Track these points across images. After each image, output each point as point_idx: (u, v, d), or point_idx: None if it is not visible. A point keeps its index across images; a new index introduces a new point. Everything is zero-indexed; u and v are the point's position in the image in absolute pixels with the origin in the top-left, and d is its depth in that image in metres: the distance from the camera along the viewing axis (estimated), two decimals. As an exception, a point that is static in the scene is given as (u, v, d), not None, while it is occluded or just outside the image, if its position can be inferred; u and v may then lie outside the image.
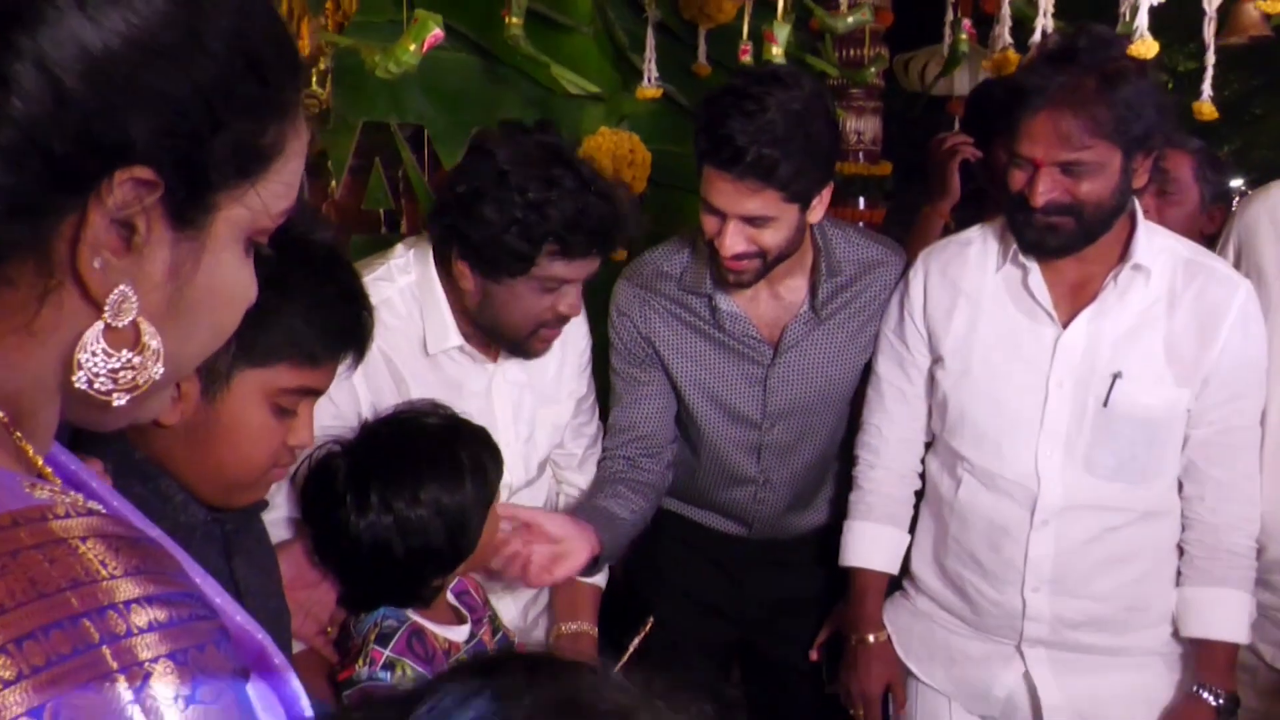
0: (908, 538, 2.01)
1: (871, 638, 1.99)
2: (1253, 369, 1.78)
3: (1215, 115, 2.40)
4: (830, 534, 2.16)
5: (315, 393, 1.20)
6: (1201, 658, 1.83)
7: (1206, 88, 2.41)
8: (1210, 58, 2.37)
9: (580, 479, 2.02)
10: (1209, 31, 2.35)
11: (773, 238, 1.82)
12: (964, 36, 2.72)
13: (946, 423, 1.90)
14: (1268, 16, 2.46)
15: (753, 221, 1.79)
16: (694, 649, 2.16)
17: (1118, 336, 1.76)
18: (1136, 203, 1.79)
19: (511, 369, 1.82)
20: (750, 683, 2.34)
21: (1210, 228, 2.48)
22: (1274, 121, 5.60)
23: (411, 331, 1.73)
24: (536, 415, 1.86)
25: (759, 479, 2.12)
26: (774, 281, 1.98)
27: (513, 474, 1.81)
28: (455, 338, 1.73)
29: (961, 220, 2.56)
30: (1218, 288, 1.75)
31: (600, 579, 1.98)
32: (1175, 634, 1.86)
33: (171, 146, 0.60)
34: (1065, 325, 1.78)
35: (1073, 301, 1.78)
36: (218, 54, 0.61)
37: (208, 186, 0.64)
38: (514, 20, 2.47)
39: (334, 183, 2.80)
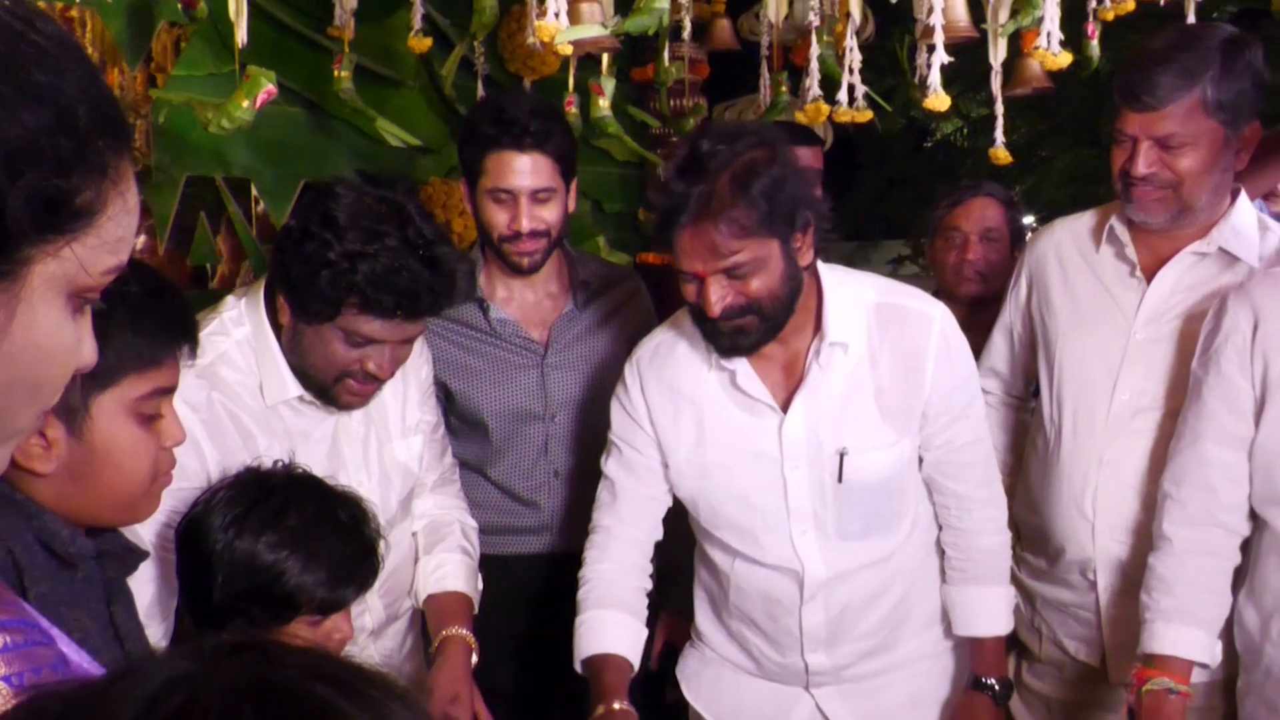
0: (645, 631, 1.90)
1: (617, 705, 1.77)
2: (964, 389, 1.85)
3: (1009, 160, 2.62)
4: None
5: (168, 390, 1.24)
6: (974, 652, 1.96)
7: (999, 135, 2.62)
8: (999, 108, 2.59)
9: (427, 504, 2.02)
10: (996, 85, 2.57)
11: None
12: (784, 88, 2.87)
13: (701, 518, 1.91)
14: (1048, 70, 2.69)
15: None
16: (510, 690, 2.18)
17: (834, 411, 1.78)
18: (818, 265, 1.79)
19: (354, 415, 1.83)
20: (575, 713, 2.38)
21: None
22: (1059, 163, 6.05)
23: (252, 384, 1.72)
24: (384, 455, 1.87)
25: (550, 472, 2.24)
26: (536, 284, 2.22)
27: (380, 517, 1.82)
28: (294, 388, 1.73)
29: None
30: (912, 329, 1.78)
31: (472, 591, 1.98)
32: (942, 632, 1.98)
33: None
34: (785, 408, 1.79)
35: (787, 382, 1.80)
36: (20, 106, 0.62)
37: (8, 238, 0.64)
38: (343, 74, 2.49)
39: (159, 239, 2.74)
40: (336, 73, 2.47)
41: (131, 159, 0.76)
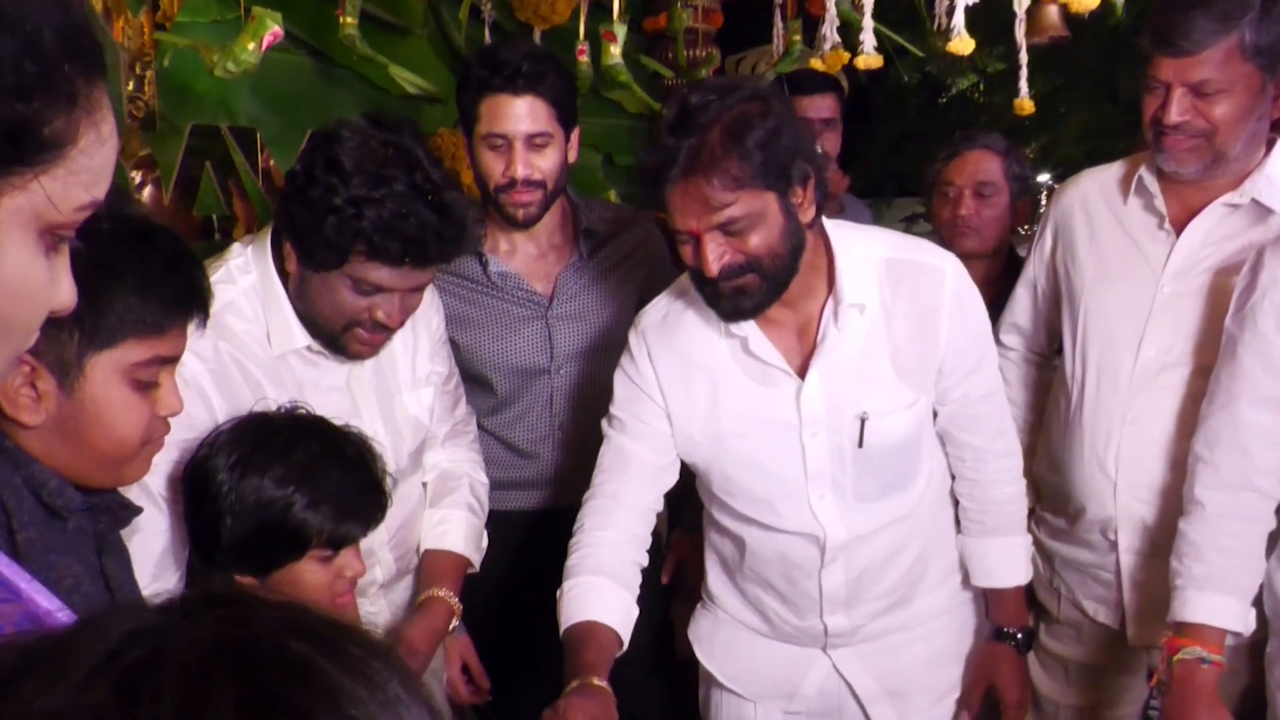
0: (636, 610, 1.78)
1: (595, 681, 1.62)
2: (978, 342, 1.79)
3: (1033, 110, 2.56)
4: None
5: (169, 360, 1.22)
6: (994, 603, 1.94)
7: (1023, 85, 2.56)
8: (1024, 56, 2.53)
9: (438, 455, 2.00)
10: (1020, 32, 2.50)
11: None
12: (797, 38, 2.81)
13: (713, 487, 1.85)
14: (1067, 17, 2.62)
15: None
16: (506, 651, 2.16)
17: (851, 374, 1.72)
18: (824, 223, 1.72)
19: (364, 366, 1.79)
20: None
21: (1019, 220, 2.62)
22: (1076, 119, 5.95)
23: (259, 333, 1.69)
24: (394, 406, 1.84)
25: (554, 425, 2.21)
26: (539, 236, 2.17)
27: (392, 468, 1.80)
28: (302, 337, 1.69)
29: None
30: (925, 284, 1.72)
31: (472, 551, 1.96)
32: (959, 584, 1.95)
33: None
34: (800, 373, 1.73)
35: (801, 347, 1.74)
36: None
37: None
38: (348, 20, 2.44)
39: (164, 189, 2.69)
40: (341, 19, 2.40)
41: (106, 90, 0.72)
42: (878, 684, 1.90)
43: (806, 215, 1.65)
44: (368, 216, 1.53)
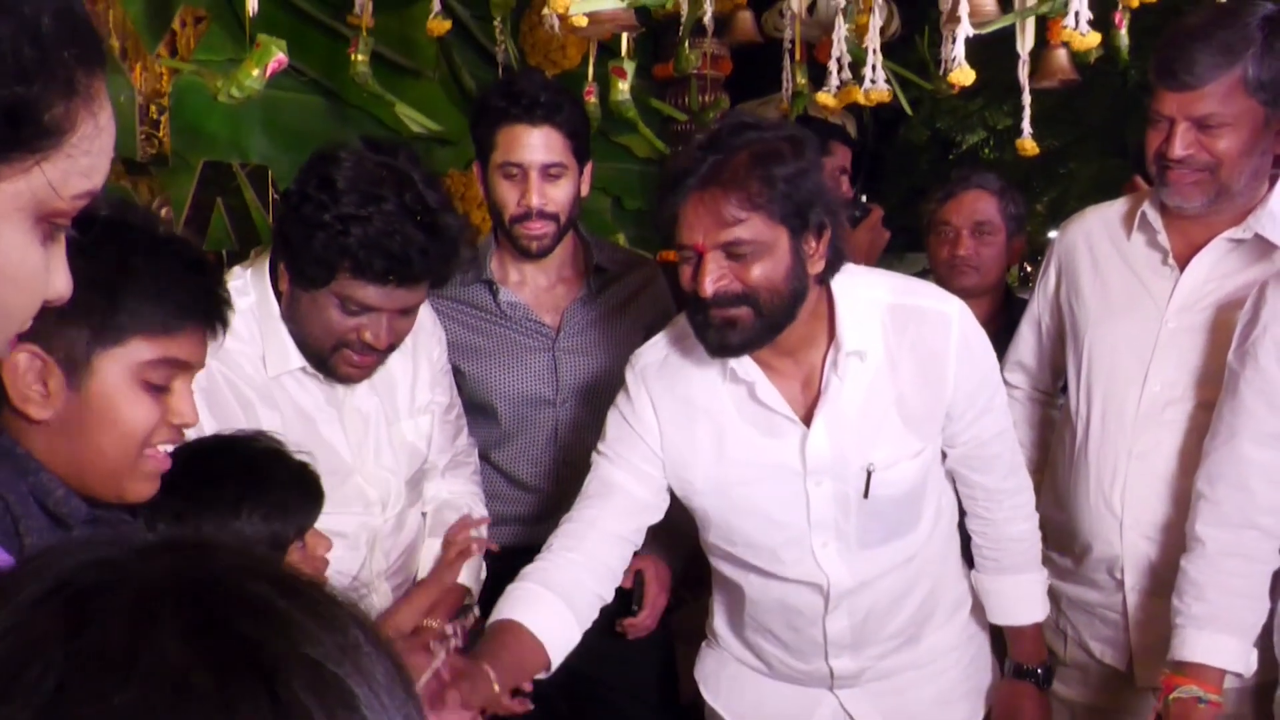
0: (575, 643, 1.71)
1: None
2: (986, 382, 1.74)
3: (1036, 150, 2.57)
4: None
5: (182, 365, 1.20)
6: (1012, 641, 1.91)
7: (1026, 125, 2.57)
8: (1026, 98, 2.54)
9: (438, 486, 1.99)
10: (1024, 74, 2.52)
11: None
12: (802, 81, 2.83)
13: (711, 535, 1.81)
14: (1075, 62, 2.64)
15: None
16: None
17: (856, 423, 1.67)
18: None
19: (361, 392, 1.79)
20: (577, 711, 2.32)
21: (1014, 258, 2.65)
22: (1085, 174, 5.98)
23: (254, 354, 1.69)
24: (391, 434, 1.83)
25: (558, 459, 2.19)
26: (549, 268, 2.18)
27: (380, 501, 1.80)
28: (296, 359, 1.69)
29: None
30: (930, 330, 1.67)
31: (470, 581, 1.95)
32: (968, 617, 1.91)
33: None
34: (806, 420, 1.68)
35: (805, 396, 1.69)
36: None
37: None
38: (360, 58, 2.47)
39: (176, 224, 2.72)
40: (353, 56, 2.43)
41: (105, 80, 0.73)
42: None
43: (815, 266, 1.60)
44: (354, 234, 1.53)
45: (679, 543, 2.30)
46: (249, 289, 1.71)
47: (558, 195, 2.07)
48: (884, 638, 1.82)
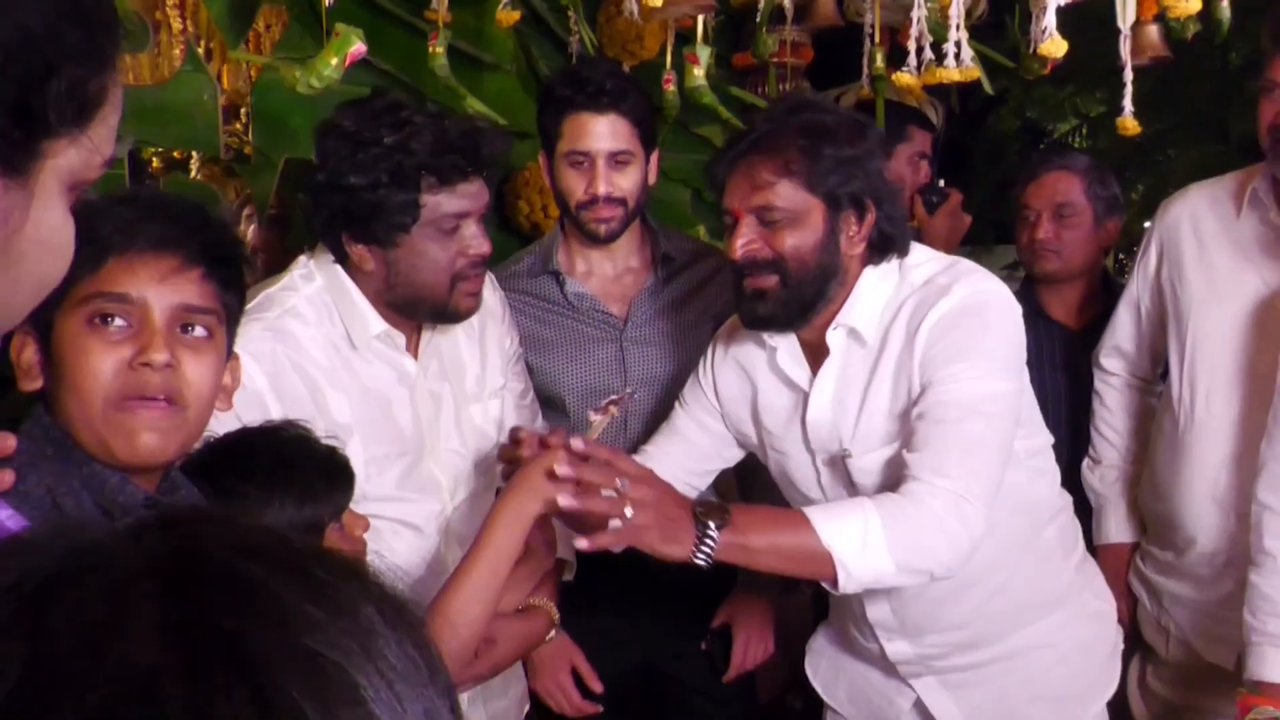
0: None
1: None
2: (961, 359, 1.54)
3: (1138, 129, 2.45)
4: None
5: (118, 298, 1.13)
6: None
7: (1127, 103, 2.46)
8: (1128, 74, 2.43)
9: None
10: (1125, 49, 2.41)
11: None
12: (880, 65, 2.76)
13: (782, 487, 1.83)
14: (1168, 37, 2.53)
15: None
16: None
17: (852, 405, 1.64)
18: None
19: (433, 374, 1.79)
20: (659, 713, 2.28)
21: (1108, 241, 2.51)
22: (1182, 163, 5.78)
23: (320, 337, 1.69)
24: (460, 418, 1.82)
25: (629, 450, 2.08)
26: (616, 257, 2.15)
27: (450, 488, 1.79)
28: (377, 323, 1.70)
29: None
30: (923, 302, 1.60)
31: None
32: (1072, 614, 1.81)
33: (5, 92, 0.60)
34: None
35: (817, 370, 1.68)
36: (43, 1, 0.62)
37: (44, 132, 0.64)
38: (438, 50, 2.46)
39: (259, 220, 2.75)
40: (431, 48, 2.43)
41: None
42: (965, 716, 1.80)
43: (853, 247, 1.61)
44: (416, 149, 1.57)
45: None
46: (314, 274, 1.71)
47: (624, 182, 2.05)
48: (944, 627, 1.75)
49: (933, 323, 1.56)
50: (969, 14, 3.11)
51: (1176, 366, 1.95)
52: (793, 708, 2.81)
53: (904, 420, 1.60)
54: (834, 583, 1.47)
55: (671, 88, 2.70)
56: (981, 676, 1.79)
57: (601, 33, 3.23)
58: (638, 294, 2.17)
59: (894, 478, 1.59)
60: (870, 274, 1.63)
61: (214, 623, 0.41)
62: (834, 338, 1.64)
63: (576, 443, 1.49)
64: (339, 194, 1.61)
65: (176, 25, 2.85)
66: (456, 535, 1.81)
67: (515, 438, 1.59)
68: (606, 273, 2.19)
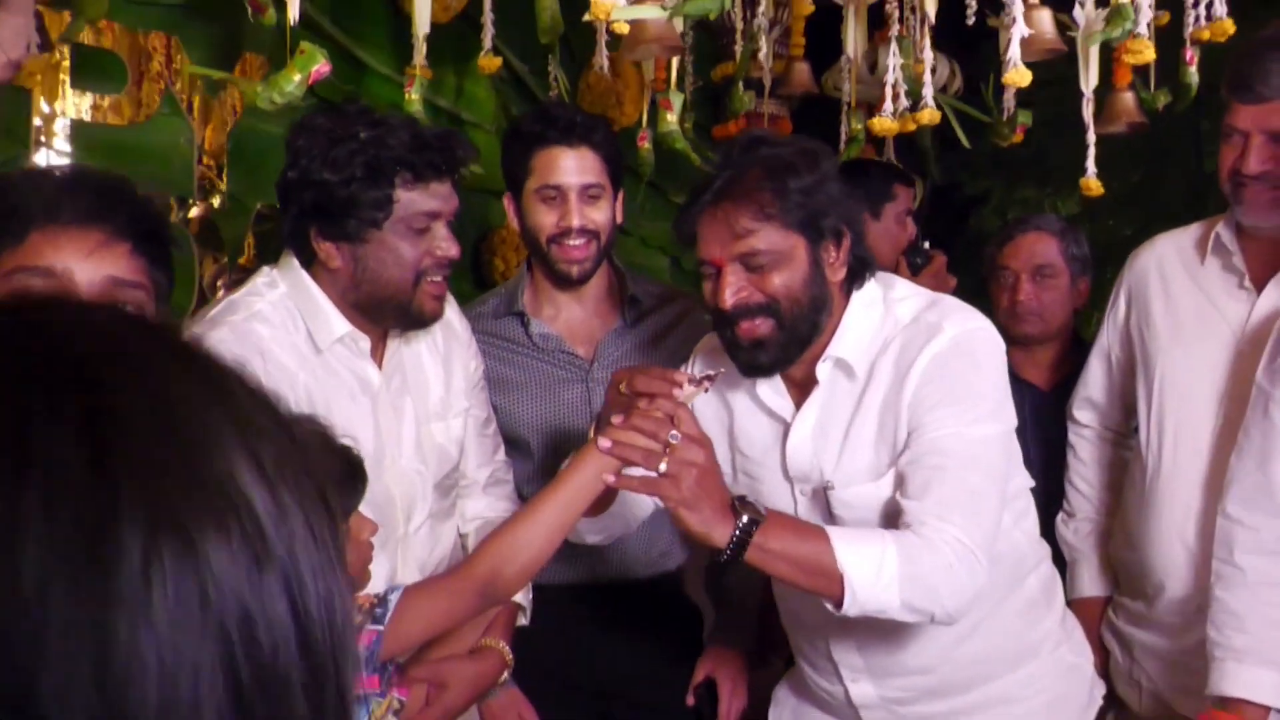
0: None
1: None
2: (955, 404, 1.52)
3: (1101, 190, 2.48)
4: (678, 580, 2.19)
5: (39, 271, 1.11)
6: None
7: (1090, 166, 2.49)
8: (1091, 136, 2.47)
9: (478, 505, 1.92)
10: (1088, 113, 2.45)
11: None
12: (858, 126, 2.80)
13: None
14: (1141, 104, 2.57)
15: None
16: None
17: (835, 438, 1.63)
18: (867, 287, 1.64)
19: (394, 385, 1.76)
20: None
21: (1080, 301, 2.50)
22: (1163, 203, 5.83)
23: (286, 340, 1.67)
24: (421, 434, 1.79)
25: None
26: (584, 299, 2.13)
27: (405, 508, 1.74)
28: (341, 325, 1.69)
29: None
30: (912, 340, 1.58)
31: (522, 599, 1.87)
32: (1042, 669, 1.75)
33: None
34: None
35: (802, 401, 1.66)
36: None
37: None
38: (413, 97, 2.47)
39: (229, 266, 2.74)
40: (408, 95, 2.45)
41: None
42: None
43: (835, 274, 1.60)
44: (391, 144, 1.58)
45: (745, 620, 2.22)
46: (277, 281, 1.70)
47: (597, 216, 2.03)
48: (910, 670, 1.70)
49: (925, 363, 1.55)
50: (945, 88, 3.17)
51: (1144, 411, 1.93)
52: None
53: (888, 457, 1.58)
54: (837, 603, 1.46)
55: (646, 145, 2.73)
56: None
57: (581, 98, 3.27)
58: (605, 335, 2.15)
59: (873, 515, 1.58)
60: (856, 304, 1.63)
61: (68, 355, 0.38)
62: (823, 370, 1.62)
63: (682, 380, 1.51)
64: (311, 190, 1.61)
65: (157, 67, 2.87)
66: (417, 561, 1.76)
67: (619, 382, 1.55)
68: (574, 314, 2.16)
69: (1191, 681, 1.84)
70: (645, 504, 1.75)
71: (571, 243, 2.03)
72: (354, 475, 1.46)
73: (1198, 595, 1.79)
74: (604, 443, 1.43)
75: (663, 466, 1.41)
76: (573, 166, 2.01)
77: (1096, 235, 2.81)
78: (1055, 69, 2.44)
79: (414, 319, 1.71)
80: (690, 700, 2.13)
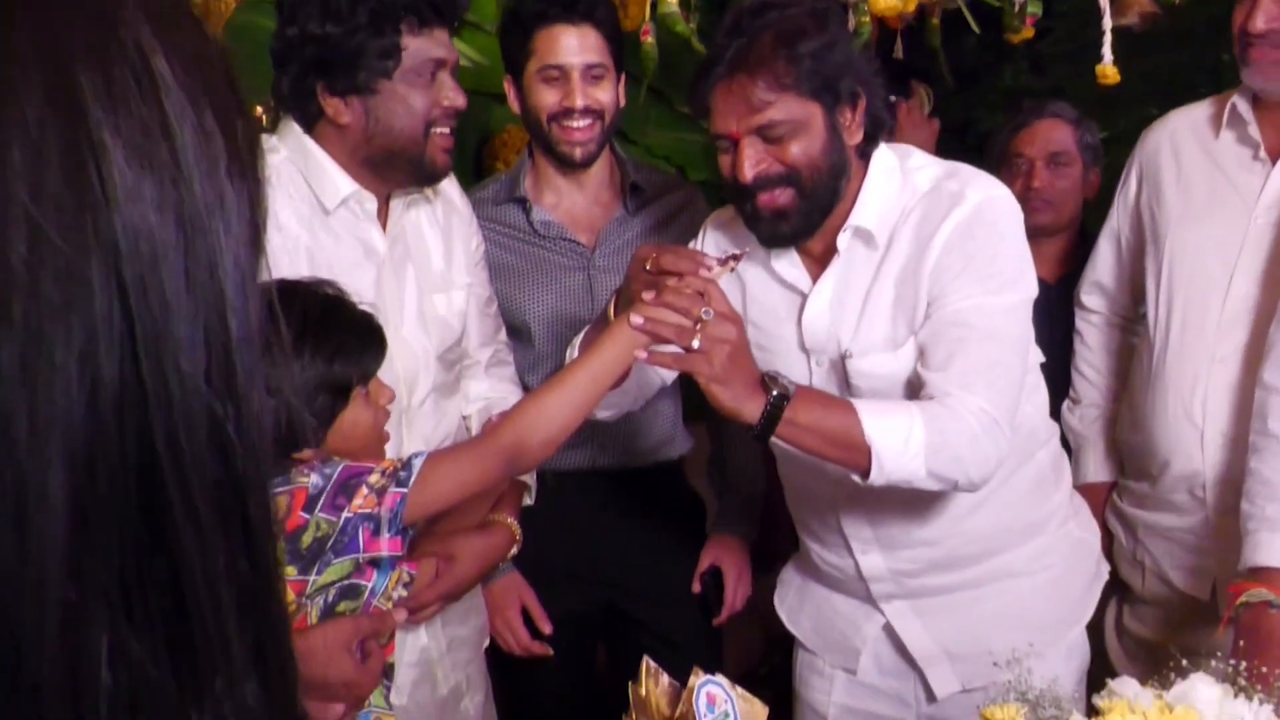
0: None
1: None
2: (977, 274, 1.51)
3: (1118, 78, 2.42)
4: (679, 470, 2.19)
5: None
6: None
7: (1106, 52, 2.42)
8: (1107, 21, 2.40)
9: (481, 387, 1.91)
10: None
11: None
12: (866, 19, 2.73)
13: None
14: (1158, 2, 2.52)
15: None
16: (554, 622, 2.03)
17: (852, 304, 1.61)
18: (881, 150, 1.62)
19: (398, 252, 1.74)
20: (619, 655, 2.20)
21: (1090, 193, 2.46)
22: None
23: (292, 202, 1.65)
24: (423, 304, 1.77)
25: None
26: (586, 185, 2.10)
27: (408, 380, 1.72)
28: (347, 184, 1.67)
29: None
30: (934, 208, 1.56)
31: (529, 478, 1.87)
32: (1050, 542, 1.74)
33: None
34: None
35: (819, 269, 1.64)
36: None
37: None
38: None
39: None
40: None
41: None
42: (935, 643, 1.72)
43: (853, 137, 1.58)
44: None
45: (750, 507, 2.22)
46: (278, 147, 1.68)
47: (601, 96, 1.99)
48: (918, 541, 1.68)
49: (949, 231, 1.53)
50: (955, -7, 3.10)
51: (1153, 289, 1.89)
52: (760, 675, 2.74)
53: (906, 326, 1.57)
54: (864, 474, 1.46)
55: (650, 39, 2.67)
56: (954, 602, 1.72)
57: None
58: (606, 223, 2.12)
59: (891, 385, 1.58)
60: (876, 171, 1.61)
61: None
62: (843, 239, 1.60)
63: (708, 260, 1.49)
64: (313, 44, 1.58)
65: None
66: (422, 436, 1.74)
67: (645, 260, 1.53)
68: (576, 201, 2.13)
69: (1195, 560, 1.83)
70: (655, 381, 1.76)
71: (575, 124, 1.99)
72: (374, 339, 1.46)
73: (1203, 470, 1.77)
74: (636, 319, 1.41)
75: (695, 343, 1.39)
76: (575, 45, 1.97)
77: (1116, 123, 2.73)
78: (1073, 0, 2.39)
79: (425, 172, 1.69)
80: (696, 588, 2.13)
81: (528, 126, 2.10)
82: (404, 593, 1.52)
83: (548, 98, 1.99)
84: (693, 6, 2.97)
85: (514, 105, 2.09)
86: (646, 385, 1.74)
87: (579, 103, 1.97)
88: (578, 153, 2.02)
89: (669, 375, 1.71)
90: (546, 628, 1.99)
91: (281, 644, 0.41)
